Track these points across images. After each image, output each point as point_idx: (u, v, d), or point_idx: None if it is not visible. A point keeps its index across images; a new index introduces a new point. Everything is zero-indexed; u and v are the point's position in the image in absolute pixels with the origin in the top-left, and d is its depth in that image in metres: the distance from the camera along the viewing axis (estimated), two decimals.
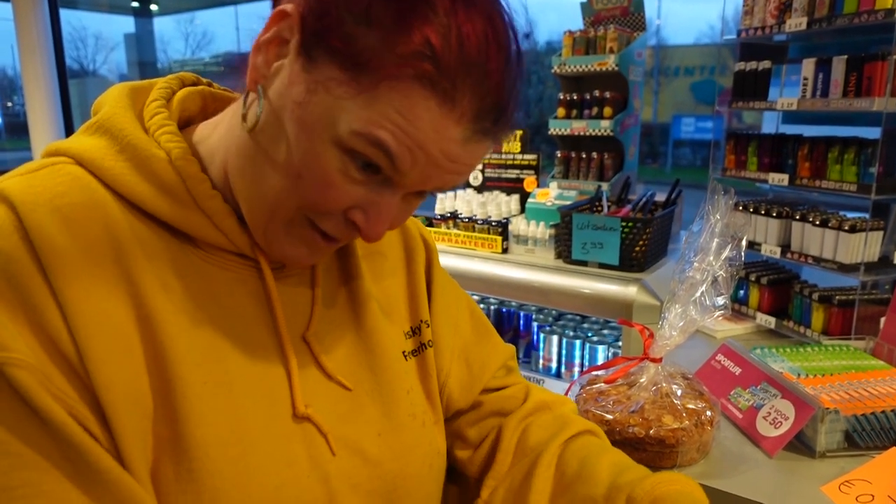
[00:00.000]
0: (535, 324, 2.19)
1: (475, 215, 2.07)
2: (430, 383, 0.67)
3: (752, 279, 1.42)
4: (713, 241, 0.89)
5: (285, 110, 0.48)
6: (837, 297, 1.25)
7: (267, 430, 0.52)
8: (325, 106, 0.47)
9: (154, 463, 0.48)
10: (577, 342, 2.05)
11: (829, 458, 0.88)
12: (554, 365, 2.12)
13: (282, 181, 0.50)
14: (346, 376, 0.59)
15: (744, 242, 0.88)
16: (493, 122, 0.49)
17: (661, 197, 1.91)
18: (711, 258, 0.89)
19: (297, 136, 0.48)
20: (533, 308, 2.23)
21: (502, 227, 1.96)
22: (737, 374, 1.02)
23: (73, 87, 3.78)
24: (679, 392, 0.89)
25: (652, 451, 0.86)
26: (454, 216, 2.07)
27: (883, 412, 0.88)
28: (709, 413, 0.88)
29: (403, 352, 0.66)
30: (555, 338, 2.10)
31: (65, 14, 3.75)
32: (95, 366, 0.45)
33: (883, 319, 1.14)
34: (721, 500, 0.81)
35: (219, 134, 0.56)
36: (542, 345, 2.14)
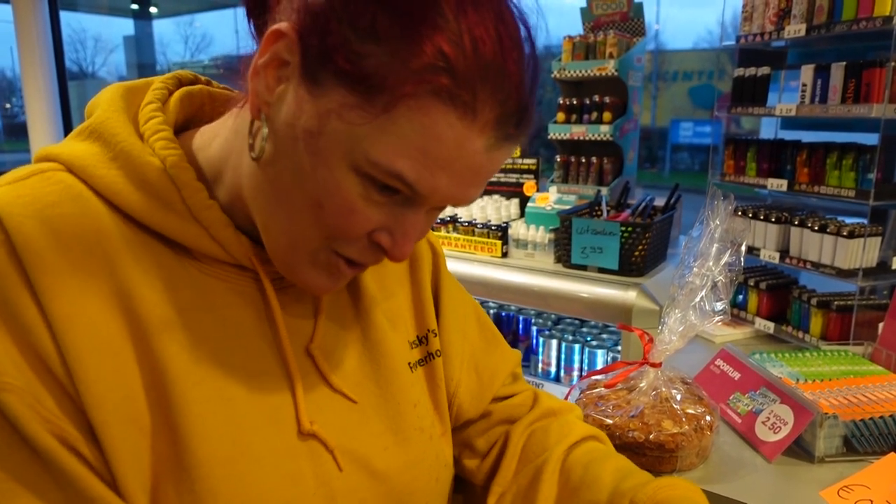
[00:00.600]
0: (534, 328, 2.19)
1: (475, 219, 2.07)
2: (438, 394, 0.66)
3: (751, 284, 1.43)
4: (713, 246, 0.90)
5: (297, 140, 0.46)
6: (836, 303, 1.26)
7: (271, 448, 0.51)
8: (340, 134, 0.44)
9: (154, 482, 0.46)
10: (577, 346, 2.05)
11: (828, 463, 0.88)
12: (553, 369, 2.12)
13: (301, 212, 0.48)
14: (352, 389, 0.58)
15: (743, 248, 0.88)
16: (516, 125, 0.47)
17: (660, 201, 1.91)
18: (711, 263, 0.89)
19: (314, 165, 0.46)
20: (532, 312, 2.24)
21: (502, 232, 1.96)
22: (736, 379, 1.03)
23: (72, 88, 3.78)
24: (678, 397, 0.89)
25: (651, 455, 0.86)
26: (454, 220, 2.08)
27: (881, 417, 0.88)
28: (708, 418, 0.88)
29: (409, 363, 0.64)
30: (554, 342, 2.10)
31: (64, 16, 3.75)
32: (86, 384, 0.44)
33: (881, 325, 1.15)
34: None
35: (218, 146, 0.54)
36: (541, 349, 2.14)
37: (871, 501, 0.76)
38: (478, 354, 0.72)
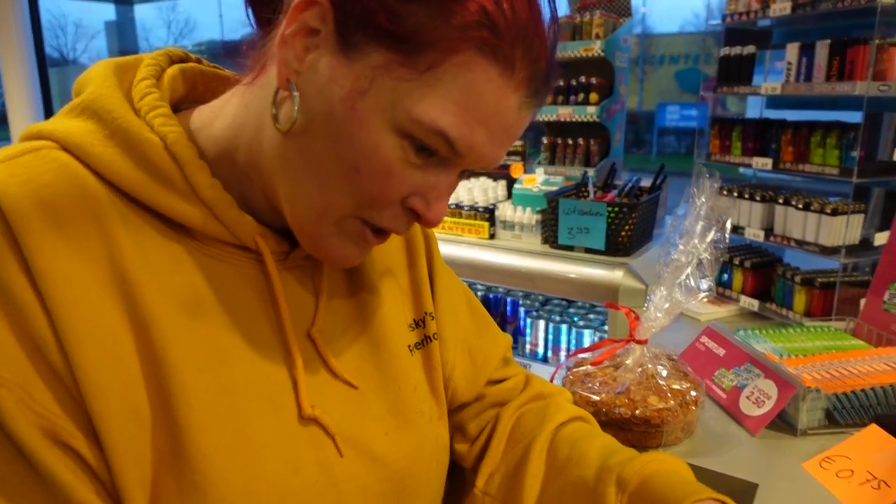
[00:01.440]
0: (521, 309, 2.20)
1: (462, 201, 2.07)
2: (435, 377, 0.66)
3: (736, 263, 1.44)
4: (698, 223, 0.90)
5: (333, 105, 0.46)
6: (819, 280, 1.27)
7: (273, 435, 0.50)
8: (384, 92, 0.45)
9: (154, 476, 0.45)
10: (564, 327, 2.06)
11: (811, 436, 0.89)
12: (541, 350, 2.14)
13: (334, 180, 0.48)
14: (352, 373, 0.57)
15: (728, 225, 0.89)
16: (544, 83, 0.49)
17: (646, 183, 1.92)
18: (696, 241, 0.89)
19: (353, 128, 0.46)
20: (520, 293, 2.25)
21: (489, 213, 1.96)
22: (721, 355, 1.04)
23: (52, 75, 3.72)
24: (664, 373, 0.90)
25: (638, 430, 0.87)
26: None
27: (862, 390, 0.89)
28: (693, 393, 0.89)
29: (409, 346, 0.64)
30: (541, 323, 2.11)
31: (43, 1, 3.68)
32: (84, 372, 0.42)
33: (863, 301, 1.16)
34: (705, 477, 0.82)
35: (224, 125, 0.53)
36: (528, 330, 2.15)
37: (852, 472, 0.78)
38: (470, 338, 0.72)
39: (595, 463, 0.60)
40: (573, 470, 0.61)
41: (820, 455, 0.83)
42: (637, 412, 0.86)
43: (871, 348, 1.04)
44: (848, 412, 0.90)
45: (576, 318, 2.10)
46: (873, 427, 0.83)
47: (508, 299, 2.24)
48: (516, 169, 2.16)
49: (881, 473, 0.75)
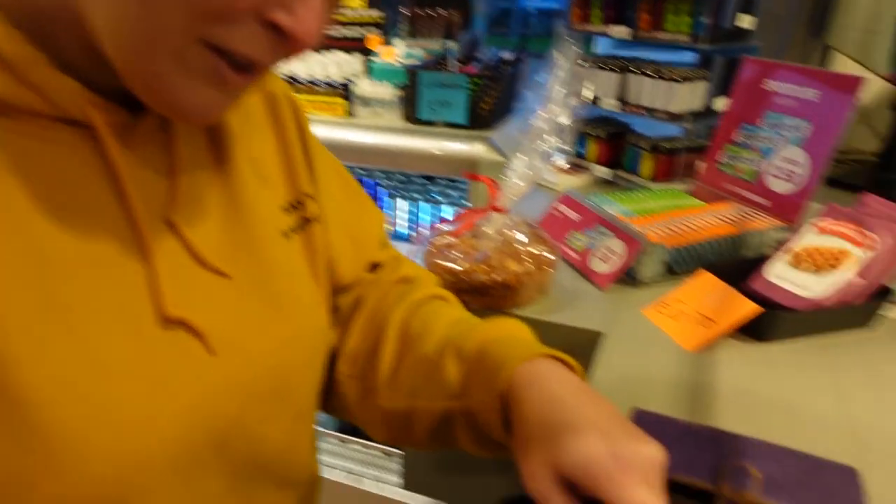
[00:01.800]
0: (383, 189, 2.17)
1: (315, 78, 1.93)
2: (317, 261, 0.60)
3: (591, 134, 1.47)
4: (556, 90, 0.89)
5: None
6: (664, 146, 1.33)
7: (128, 350, 0.41)
8: None
9: None
10: (425, 205, 2.07)
11: (653, 287, 0.96)
12: (404, 229, 2.13)
13: None
14: (223, 261, 0.49)
15: (585, 93, 0.89)
16: None
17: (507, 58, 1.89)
18: (555, 107, 0.89)
19: None
20: (381, 175, 2.20)
21: (344, 89, 1.85)
22: (575, 219, 1.07)
23: None
24: (523, 239, 0.91)
25: (496, 294, 0.88)
26: (293, 80, 1.92)
27: (698, 243, 0.96)
28: (548, 255, 0.91)
29: (284, 231, 0.56)
30: (402, 202, 2.10)
31: None
32: None
33: (701, 164, 1.24)
34: (556, 332, 0.86)
35: None
36: (390, 211, 2.13)
37: (684, 313, 0.85)
38: (348, 218, 0.66)
39: (440, 338, 0.60)
40: (420, 346, 0.60)
41: (657, 301, 0.89)
42: (495, 277, 0.87)
43: (707, 205, 1.12)
44: (685, 262, 0.97)
45: (436, 195, 2.10)
46: (703, 272, 0.90)
47: (368, 180, 2.19)
48: (373, 41, 2.03)
49: (709, 312, 0.82)
